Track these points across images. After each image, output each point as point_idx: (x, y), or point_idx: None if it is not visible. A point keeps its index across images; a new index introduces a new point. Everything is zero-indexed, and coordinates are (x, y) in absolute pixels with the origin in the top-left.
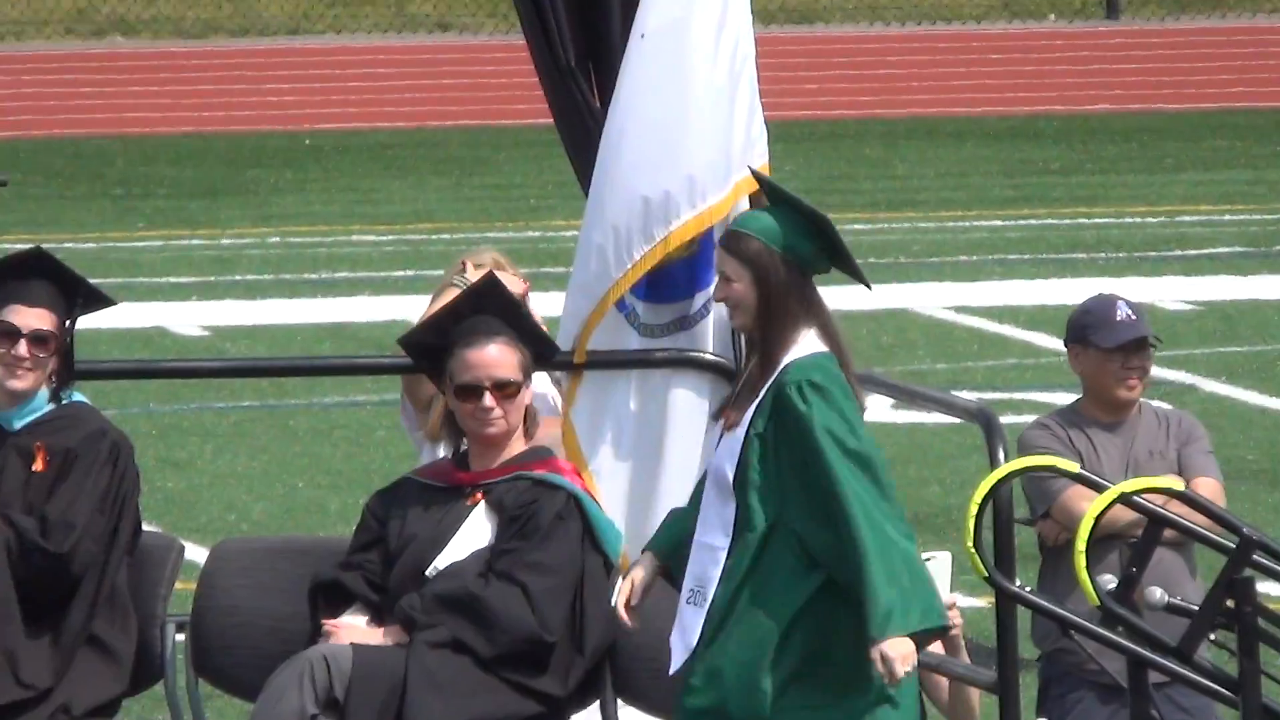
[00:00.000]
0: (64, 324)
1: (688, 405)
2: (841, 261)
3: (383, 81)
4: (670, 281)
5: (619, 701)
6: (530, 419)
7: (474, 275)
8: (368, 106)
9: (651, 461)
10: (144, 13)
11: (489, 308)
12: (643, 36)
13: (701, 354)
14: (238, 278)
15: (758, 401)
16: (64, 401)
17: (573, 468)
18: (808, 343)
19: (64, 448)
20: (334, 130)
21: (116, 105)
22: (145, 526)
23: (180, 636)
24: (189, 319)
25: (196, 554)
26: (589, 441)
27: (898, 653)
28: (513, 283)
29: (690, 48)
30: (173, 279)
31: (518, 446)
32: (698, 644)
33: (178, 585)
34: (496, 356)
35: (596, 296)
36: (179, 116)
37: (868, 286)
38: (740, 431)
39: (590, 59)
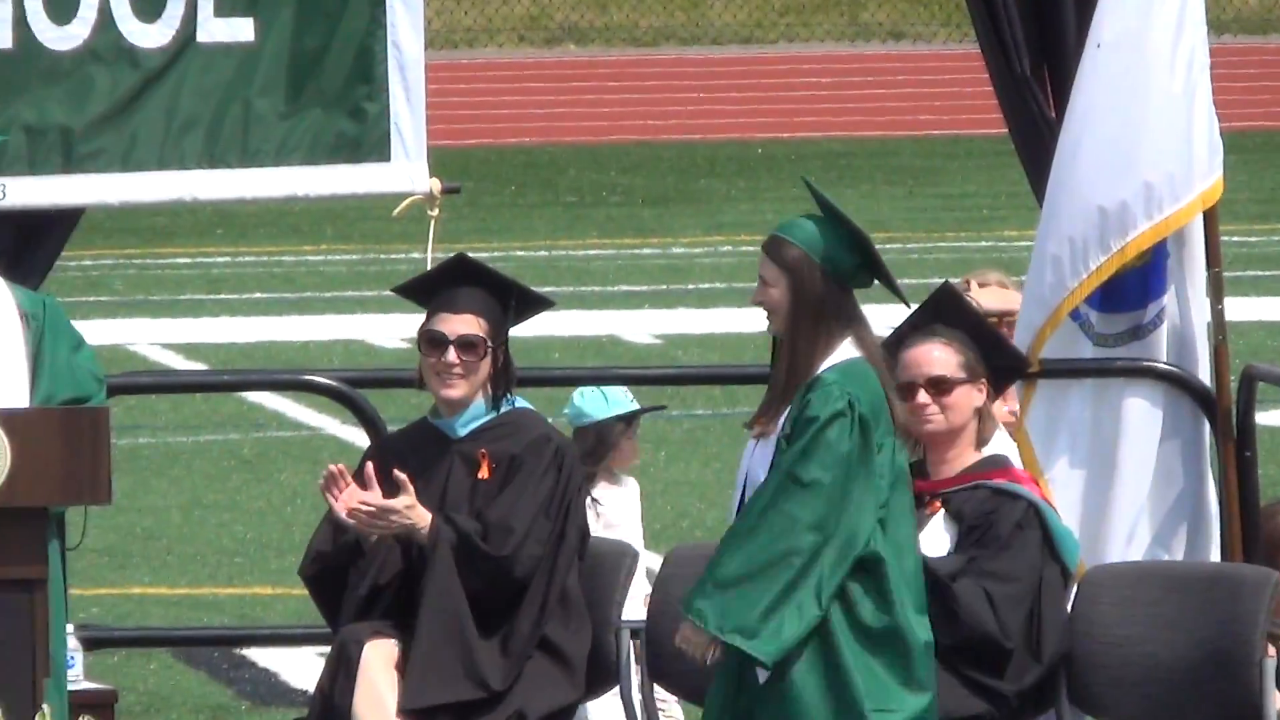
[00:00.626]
0: (495, 329)
1: (1142, 414)
2: (882, 278)
3: (835, 90)
4: (1124, 291)
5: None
6: (986, 422)
7: (976, 293)
8: (820, 115)
9: (1106, 470)
10: (596, 20)
11: (946, 317)
12: (1099, 46)
13: (1158, 364)
14: (690, 286)
15: (791, 408)
16: (505, 408)
17: (1030, 476)
18: (843, 350)
19: (508, 454)
20: (786, 139)
21: (568, 113)
22: (598, 534)
23: (635, 642)
24: (641, 327)
25: (651, 560)
26: (1044, 450)
27: (691, 638)
28: (1013, 300)
29: (1147, 58)
30: (624, 287)
31: (974, 455)
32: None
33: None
34: (935, 356)
35: (1051, 307)
36: (630, 125)
37: (906, 304)
38: (774, 438)
39: (1045, 67)
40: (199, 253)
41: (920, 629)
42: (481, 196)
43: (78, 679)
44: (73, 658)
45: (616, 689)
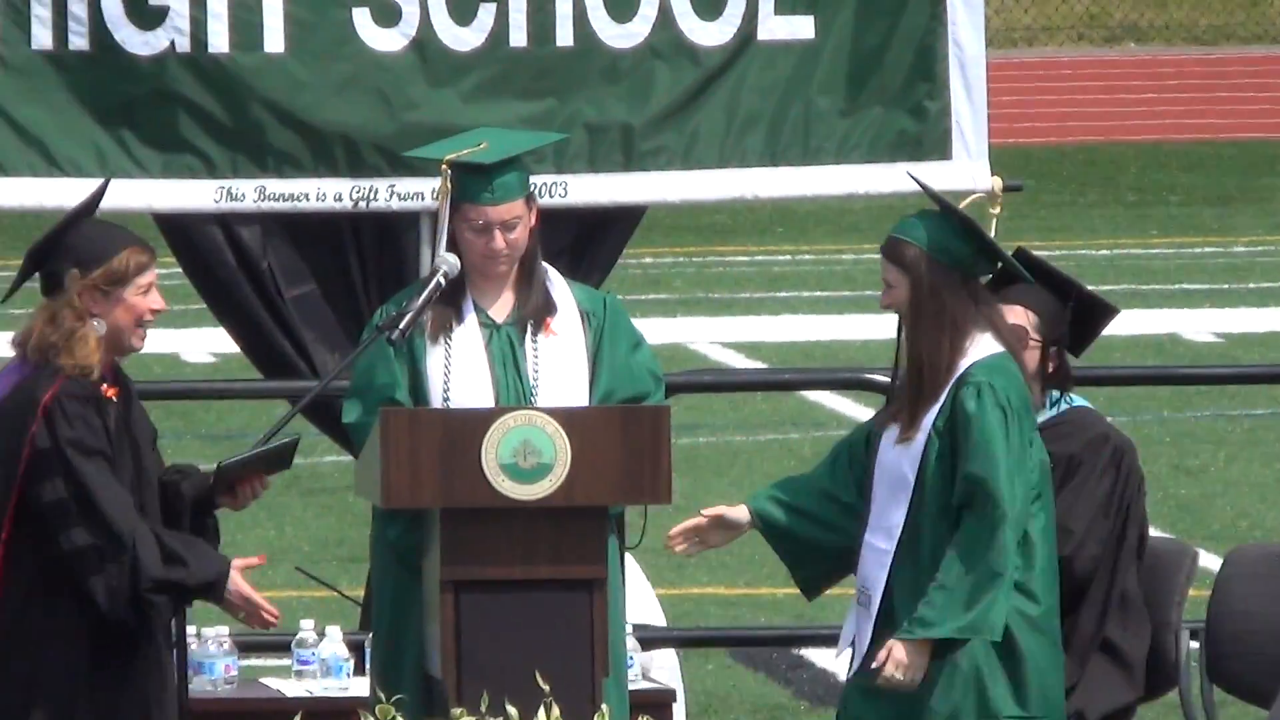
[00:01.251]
0: (1049, 326)
1: None
2: (1001, 259)
3: None
4: None
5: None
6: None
7: None
8: None
9: None
10: (1156, 19)
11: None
12: None
13: None
14: (1250, 286)
15: (938, 406)
16: (1064, 407)
17: None
18: (984, 345)
19: (1066, 454)
20: None
21: (1128, 112)
22: (1157, 533)
23: (1194, 644)
24: (1201, 325)
25: (1209, 561)
26: None
27: (900, 658)
28: None
29: None
30: (1184, 286)
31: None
32: (869, 647)
33: (1191, 592)
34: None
35: None
36: (1190, 124)
37: (1029, 281)
38: (920, 437)
39: None
40: (759, 251)
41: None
42: (1041, 195)
43: (636, 679)
44: (631, 658)
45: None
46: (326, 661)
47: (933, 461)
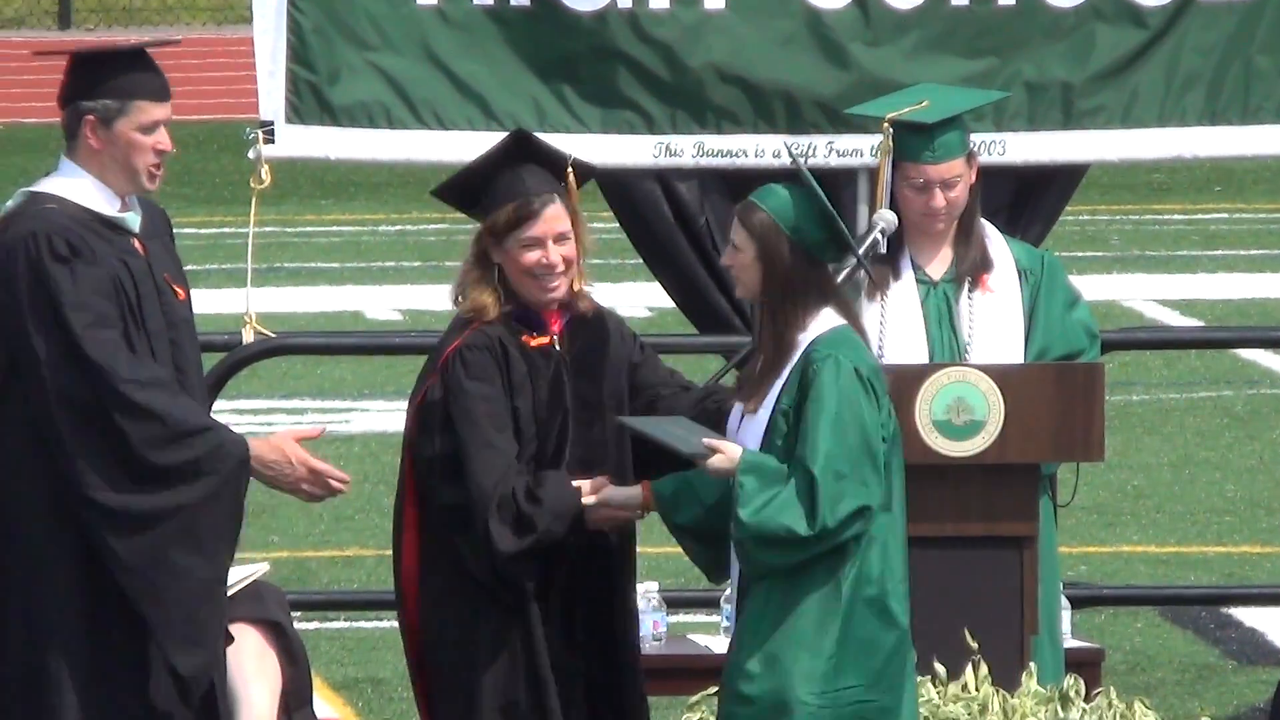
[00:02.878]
0: None
1: None
2: (850, 252)
3: None
4: None
5: None
6: None
7: None
8: None
9: None
10: None
11: None
12: None
13: None
14: None
15: (782, 381)
16: None
17: None
18: (825, 319)
19: None
20: None
21: None
22: None
23: None
24: None
25: None
26: None
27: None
28: None
29: None
30: None
31: None
32: (735, 625)
33: None
34: None
35: None
36: None
37: (873, 281)
38: (764, 413)
39: None
40: (1195, 209)
41: (900, 614)
42: None
43: (1065, 637)
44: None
45: None
46: None
47: (779, 442)
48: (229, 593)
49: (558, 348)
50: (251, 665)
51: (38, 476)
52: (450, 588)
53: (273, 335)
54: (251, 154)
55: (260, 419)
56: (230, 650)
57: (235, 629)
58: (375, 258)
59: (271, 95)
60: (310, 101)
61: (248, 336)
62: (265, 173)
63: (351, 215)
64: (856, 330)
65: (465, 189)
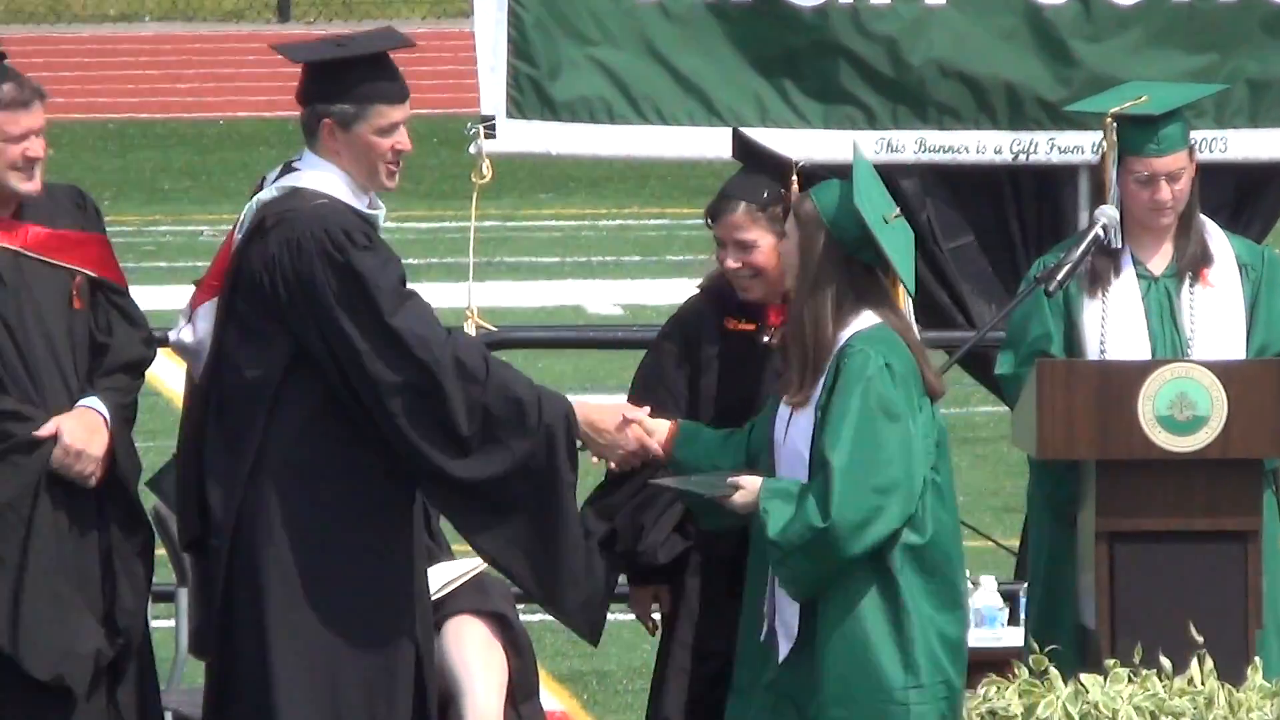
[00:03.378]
0: None
1: None
2: (879, 256)
3: None
4: None
5: None
6: None
7: None
8: None
9: None
10: None
11: None
12: None
13: None
14: None
15: (824, 379)
16: None
17: None
18: (865, 319)
19: None
20: None
21: None
22: None
23: None
24: None
25: None
26: None
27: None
28: None
29: None
30: None
31: None
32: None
33: None
34: None
35: None
36: None
37: (908, 290)
38: (811, 409)
39: None
40: None
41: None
42: None
43: None
44: None
45: None
46: (980, 611)
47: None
48: (452, 586)
49: (767, 338)
50: (477, 657)
51: (319, 478)
52: None
53: (493, 329)
54: (472, 149)
55: None
56: (455, 642)
57: (460, 621)
58: (595, 252)
59: (492, 90)
60: (531, 96)
61: (469, 330)
62: (486, 167)
63: (571, 210)
64: (897, 329)
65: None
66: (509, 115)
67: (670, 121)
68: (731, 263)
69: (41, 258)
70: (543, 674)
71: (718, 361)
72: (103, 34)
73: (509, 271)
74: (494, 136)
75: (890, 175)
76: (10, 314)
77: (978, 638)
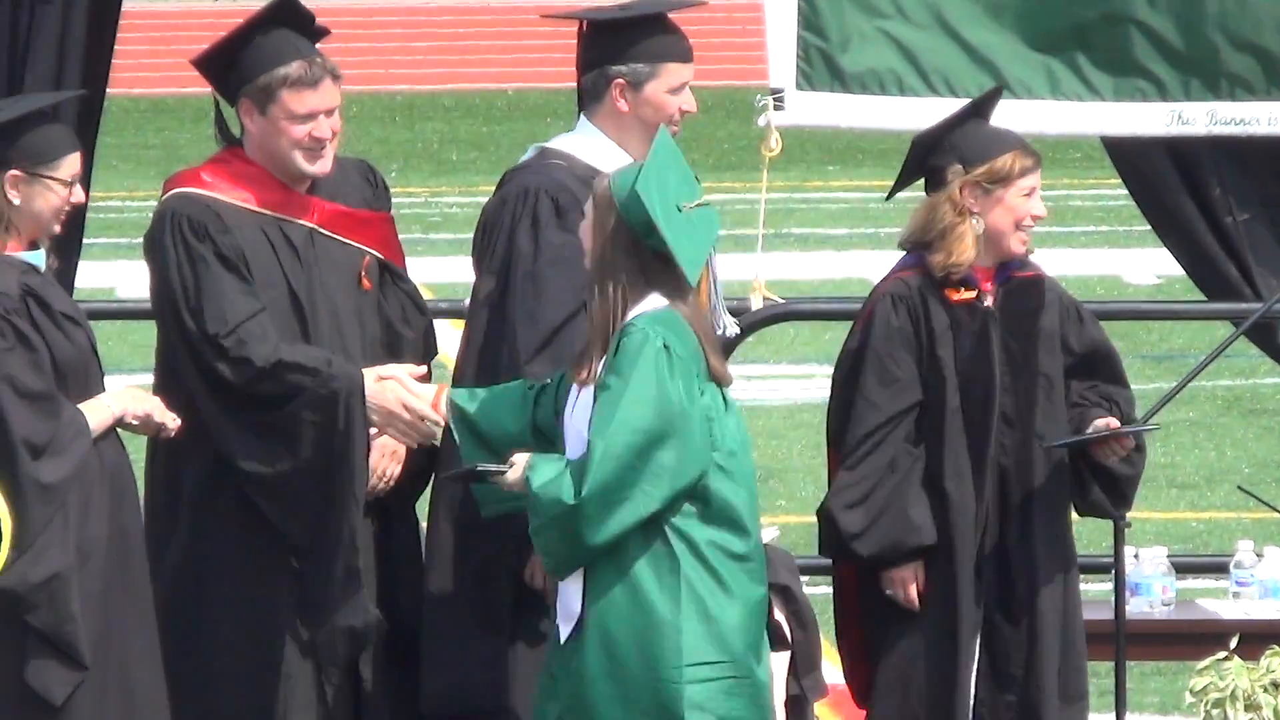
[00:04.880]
0: None
1: None
2: (660, 244)
3: None
4: None
5: None
6: None
7: None
8: None
9: None
10: None
11: None
12: None
13: None
14: None
15: (609, 355)
16: None
17: None
18: (655, 301)
19: None
20: None
21: None
22: None
23: None
24: None
25: None
26: None
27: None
28: None
29: None
30: None
31: None
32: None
33: None
34: None
35: None
36: None
37: (685, 297)
38: (593, 388)
39: None
40: None
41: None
42: None
43: None
44: None
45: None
46: (1265, 583)
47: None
48: None
49: (986, 304)
50: None
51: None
52: None
53: (781, 301)
54: (761, 121)
55: (768, 385)
56: None
57: None
58: (883, 224)
59: (782, 62)
60: (820, 69)
61: (756, 302)
62: (775, 140)
63: (859, 182)
64: (692, 320)
65: None
66: (798, 87)
67: (960, 94)
68: None
69: (334, 235)
70: (825, 646)
71: (950, 333)
72: (391, 6)
73: (796, 243)
74: (782, 108)
75: (1178, 147)
76: (301, 290)
77: (1262, 609)
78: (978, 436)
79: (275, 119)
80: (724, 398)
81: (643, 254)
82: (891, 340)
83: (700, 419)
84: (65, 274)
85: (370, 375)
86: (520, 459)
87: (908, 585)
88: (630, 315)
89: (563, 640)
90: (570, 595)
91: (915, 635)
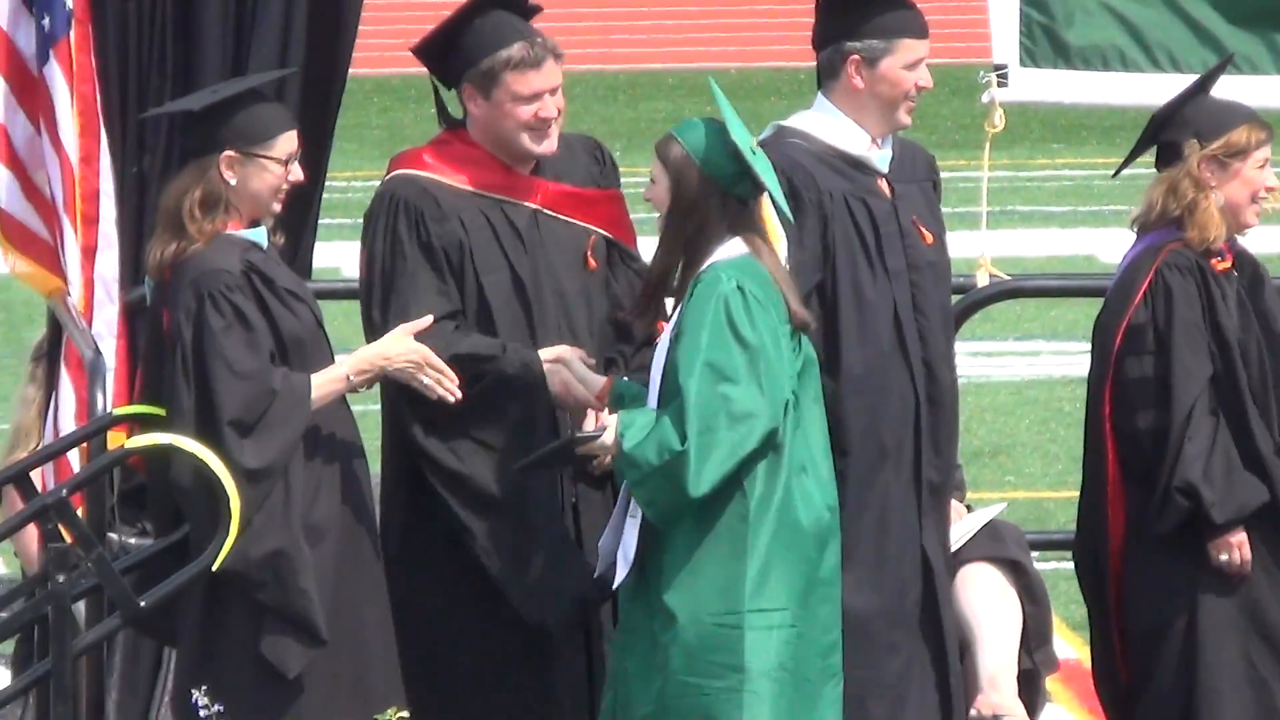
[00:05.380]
0: None
1: None
2: (761, 189)
3: None
4: None
5: None
6: None
7: None
8: None
9: None
10: None
11: None
12: None
13: None
14: None
15: (684, 301)
16: None
17: None
18: (732, 247)
19: None
20: None
21: None
22: None
23: None
24: None
25: None
26: None
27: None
28: None
29: None
30: None
31: None
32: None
33: None
34: None
35: None
36: None
37: (789, 220)
38: (665, 336)
39: None
40: None
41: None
42: None
43: None
44: None
45: None
46: None
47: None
48: (969, 536)
49: (1235, 273)
50: (991, 605)
51: None
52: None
53: (1005, 278)
54: (985, 98)
55: (994, 361)
56: (969, 590)
57: (974, 568)
58: (1107, 201)
59: (1005, 39)
60: (1044, 45)
61: (981, 279)
62: (999, 117)
63: (1083, 159)
64: (769, 264)
65: None
66: (1021, 64)
67: (1184, 70)
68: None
69: (558, 215)
70: (1056, 621)
71: (1223, 303)
72: None
73: (1021, 220)
74: (1006, 85)
75: None
76: (525, 272)
77: None
78: (1261, 403)
79: (500, 102)
80: (800, 343)
81: (728, 203)
82: (1193, 308)
83: (781, 359)
84: (300, 254)
85: (545, 354)
86: (610, 420)
87: (1244, 548)
88: (706, 264)
89: (618, 583)
90: (629, 538)
91: (1244, 596)
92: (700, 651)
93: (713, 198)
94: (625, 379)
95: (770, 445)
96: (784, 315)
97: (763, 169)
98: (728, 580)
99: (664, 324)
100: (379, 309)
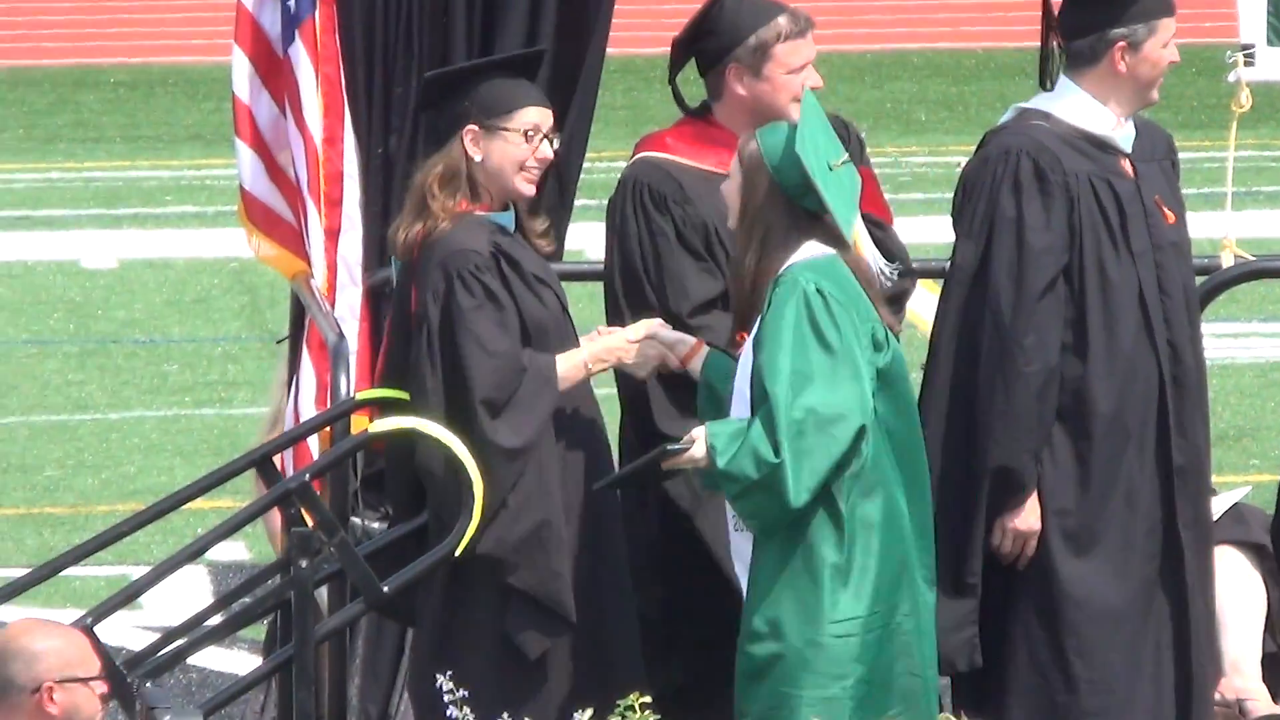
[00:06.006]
0: None
1: None
2: (820, 206)
3: None
4: None
5: None
6: None
7: None
8: None
9: None
10: None
11: None
12: None
13: None
14: None
15: (765, 308)
16: None
17: None
18: (810, 249)
19: None
20: None
21: None
22: None
23: None
24: None
25: None
26: None
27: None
28: None
29: None
30: None
31: None
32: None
33: None
34: None
35: None
36: None
37: (845, 245)
38: (750, 345)
39: None
40: None
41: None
42: None
43: None
44: None
45: None
46: None
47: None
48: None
49: None
50: (1235, 587)
51: None
52: None
53: (1251, 259)
54: (1231, 77)
55: (1240, 343)
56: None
57: (1219, 551)
58: None
59: (1253, 17)
60: None
61: (1226, 260)
62: (1246, 96)
63: None
64: (853, 266)
65: None
66: (1269, 43)
67: None
68: None
69: None
70: None
71: None
72: None
73: (1267, 201)
74: (1253, 64)
75: None
76: None
77: None
78: None
79: (772, 76)
80: (887, 344)
81: (795, 212)
82: None
83: (866, 360)
84: (555, 237)
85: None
86: (698, 432)
87: None
88: (782, 266)
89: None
90: (743, 548)
91: None
92: (794, 662)
93: (779, 204)
94: (713, 348)
95: (859, 446)
96: (866, 315)
97: (832, 188)
98: (811, 588)
99: (745, 334)
100: (657, 293)
